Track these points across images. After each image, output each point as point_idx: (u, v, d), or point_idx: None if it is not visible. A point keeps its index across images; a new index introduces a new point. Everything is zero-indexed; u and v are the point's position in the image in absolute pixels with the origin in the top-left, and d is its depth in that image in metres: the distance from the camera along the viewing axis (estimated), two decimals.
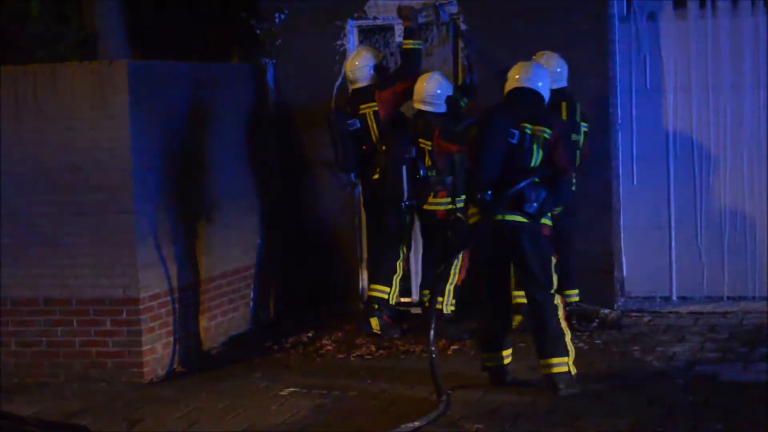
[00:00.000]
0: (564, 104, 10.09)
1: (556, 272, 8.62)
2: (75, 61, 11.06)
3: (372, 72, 10.58)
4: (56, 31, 12.23)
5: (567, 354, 8.48)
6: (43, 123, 9.53)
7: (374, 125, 10.47)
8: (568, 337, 8.52)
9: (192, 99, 10.31)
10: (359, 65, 10.59)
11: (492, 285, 8.71)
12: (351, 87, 10.72)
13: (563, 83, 10.24)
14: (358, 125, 10.48)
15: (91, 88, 9.44)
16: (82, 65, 9.67)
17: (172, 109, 10.02)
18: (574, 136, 10.00)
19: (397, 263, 10.48)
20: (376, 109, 10.45)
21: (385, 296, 10.44)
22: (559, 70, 10.19)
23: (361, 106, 10.50)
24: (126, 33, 12.43)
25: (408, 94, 10.49)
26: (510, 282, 8.88)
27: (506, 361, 8.80)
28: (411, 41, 10.60)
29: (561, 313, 8.54)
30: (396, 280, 10.48)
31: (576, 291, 10.44)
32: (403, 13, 10.73)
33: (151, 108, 9.65)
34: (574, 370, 8.51)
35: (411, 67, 10.58)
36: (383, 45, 11.37)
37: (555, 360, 8.46)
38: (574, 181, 9.98)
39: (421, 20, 10.79)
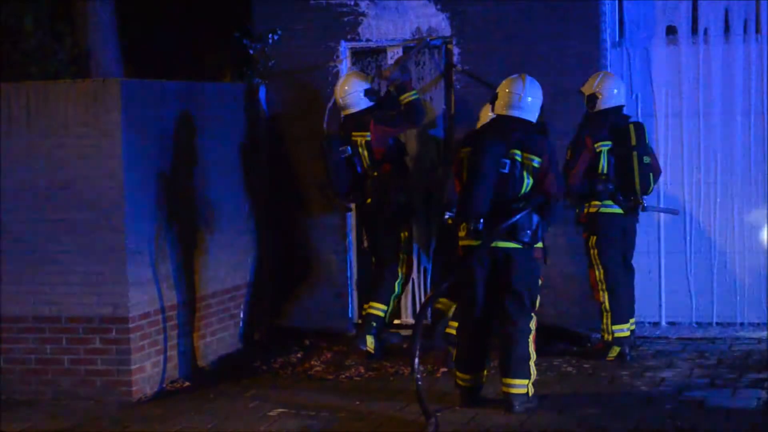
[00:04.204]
0: (632, 126, 10.10)
1: (540, 294, 8.68)
2: (68, 77, 11.10)
3: (364, 97, 10.50)
4: (49, 47, 12.25)
5: (528, 377, 8.59)
6: (35, 140, 9.52)
7: (365, 153, 10.44)
8: (532, 361, 8.61)
9: (184, 118, 10.32)
10: (349, 91, 10.52)
11: (475, 307, 8.72)
12: (343, 113, 10.68)
13: (621, 101, 10.24)
14: (350, 152, 10.47)
15: (84, 105, 9.44)
16: (75, 83, 9.67)
17: (164, 127, 10.03)
18: (646, 159, 10.05)
19: (395, 283, 10.50)
20: (369, 139, 10.40)
21: (382, 314, 10.45)
22: (615, 92, 10.18)
23: (354, 134, 10.46)
24: (119, 51, 12.45)
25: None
26: (494, 305, 8.83)
27: (479, 383, 8.85)
28: (405, 94, 10.45)
29: (532, 337, 8.64)
30: (393, 299, 10.49)
31: (632, 321, 10.31)
32: (383, 75, 10.67)
33: (143, 126, 9.66)
34: (531, 391, 8.61)
35: (414, 116, 10.45)
36: (375, 67, 11.38)
37: (516, 381, 8.56)
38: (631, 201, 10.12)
39: (405, 77, 10.66)
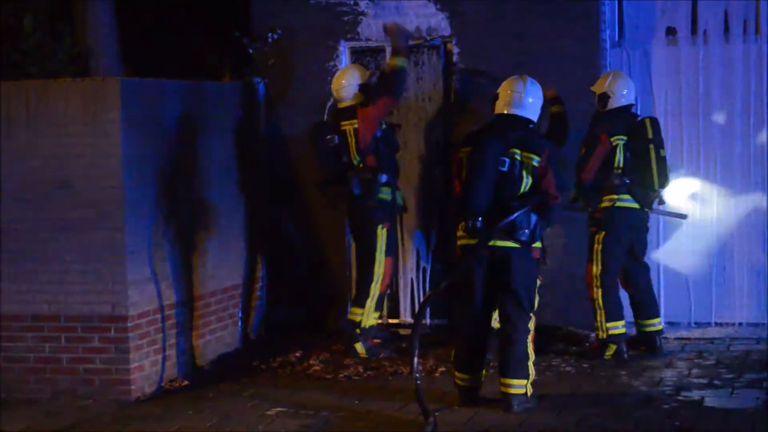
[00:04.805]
0: (647, 120, 10.13)
1: (539, 294, 8.68)
2: (68, 77, 11.07)
3: (358, 92, 10.49)
4: (49, 47, 12.24)
5: (527, 377, 8.59)
6: (34, 138, 9.52)
7: (353, 141, 10.40)
8: (531, 361, 8.61)
9: (183, 116, 10.32)
10: (345, 84, 10.55)
11: (474, 307, 8.71)
12: (338, 105, 10.69)
13: (631, 100, 10.25)
14: (337, 141, 10.44)
15: (84, 104, 9.44)
16: (74, 82, 9.67)
17: (163, 126, 10.03)
18: (662, 152, 10.06)
19: (371, 286, 10.41)
20: (356, 126, 10.39)
21: (357, 318, 10.40)
22: (625, 92, 10.19)
23: (342, 123, 10.44)
24: (118, 50, 12.45)
25: (389, 110, 10.50)
26: (492, 305, 8.83)
27: (478, 383, 8.85)
28: (397, 59, 10.45)
29: (530, 337, 8.64)
30: (369, 303, 10.43)
31: (658, 320, 10.44)
32: (390, 30, 10.61)
33: (142, 125, 9.66)
34: (530, 391, 8.62)
35: (395, 85, 10.42)
36: (375, 67, 11.37)
37: (515, 381, 8.57)
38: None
39: (409, 42, 10.72)
